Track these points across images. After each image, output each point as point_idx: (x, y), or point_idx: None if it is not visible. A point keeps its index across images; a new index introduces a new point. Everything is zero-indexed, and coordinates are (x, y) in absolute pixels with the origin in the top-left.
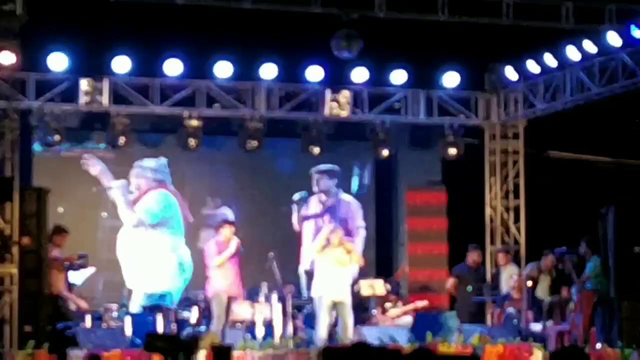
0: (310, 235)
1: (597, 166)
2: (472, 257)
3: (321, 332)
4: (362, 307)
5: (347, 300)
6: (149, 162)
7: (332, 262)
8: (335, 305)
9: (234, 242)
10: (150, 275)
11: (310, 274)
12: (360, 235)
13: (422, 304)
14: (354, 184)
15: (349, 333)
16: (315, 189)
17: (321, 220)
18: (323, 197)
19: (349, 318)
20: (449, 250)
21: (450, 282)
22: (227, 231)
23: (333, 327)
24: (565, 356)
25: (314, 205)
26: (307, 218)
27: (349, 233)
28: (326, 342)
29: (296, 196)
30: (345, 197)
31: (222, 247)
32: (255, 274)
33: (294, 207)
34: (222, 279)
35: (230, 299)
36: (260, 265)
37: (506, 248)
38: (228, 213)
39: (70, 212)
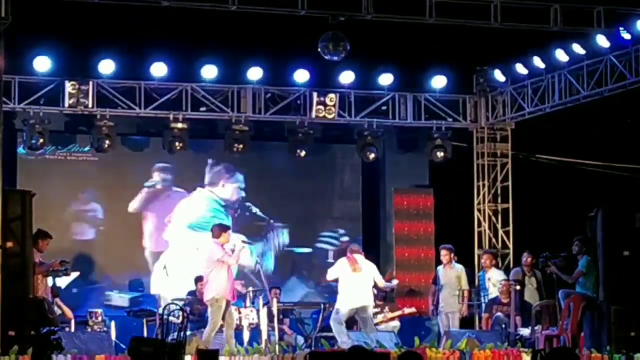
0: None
1: (586, 169)
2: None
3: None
4: None
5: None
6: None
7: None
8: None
9: (239, 242)
10: None
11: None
12: None
13: (409, 310)
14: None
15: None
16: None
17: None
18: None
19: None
20: (436, 254)
21: (433, 289)
22: (227, 235)
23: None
24: (557, 356)
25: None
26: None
27: None
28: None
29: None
30: (177, 189)
31: (226, 248)
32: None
33: (142, 191)
34: (222, 283)
35: (227, 303)
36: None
37: (492, 250)
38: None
39: (55, 214)
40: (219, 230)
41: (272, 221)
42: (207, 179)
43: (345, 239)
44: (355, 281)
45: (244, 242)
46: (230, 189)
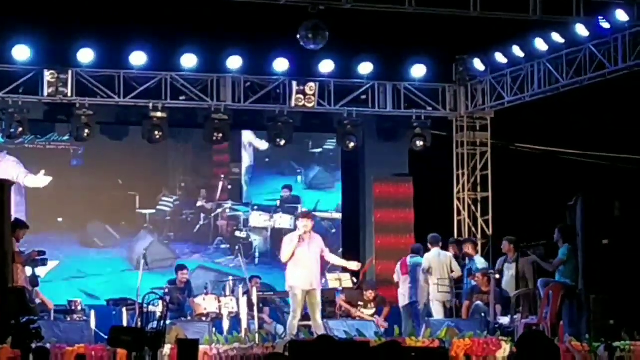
0: None
1: (565, 158)
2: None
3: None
4: (329, 301)
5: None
6: None
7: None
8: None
9: (308, 235)
10: None
11: None
12: None
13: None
14: None
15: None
16: None
17: None
18: None
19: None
20: (415, 242)
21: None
22: (300, 223)
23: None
24: (531, 340)
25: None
26: None
27: None
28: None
29: None
30: None
31: (299, 239)
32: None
33: None
34: (296, 273)
35: (307, 293)
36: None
37: (473, 239)
38: None
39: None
40: (300, 215)
41: None
42: None
43: None
44: None
45: (300, 236)
46: None
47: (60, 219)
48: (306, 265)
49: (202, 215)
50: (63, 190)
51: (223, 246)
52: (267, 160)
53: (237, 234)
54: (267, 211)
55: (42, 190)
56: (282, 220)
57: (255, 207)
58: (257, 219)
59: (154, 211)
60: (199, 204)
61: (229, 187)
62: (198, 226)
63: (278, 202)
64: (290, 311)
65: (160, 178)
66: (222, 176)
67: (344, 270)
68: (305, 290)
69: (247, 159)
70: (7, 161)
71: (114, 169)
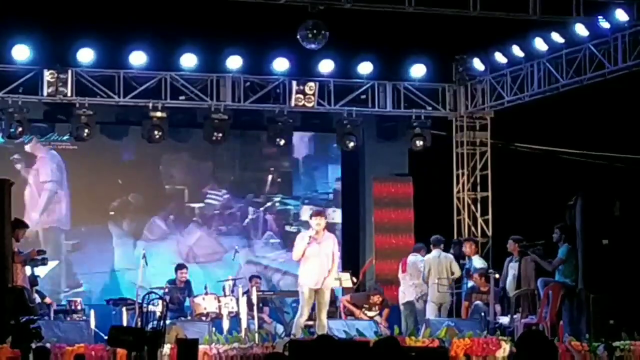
0: None
1: (565, 158)
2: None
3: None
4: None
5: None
6: None
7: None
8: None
9: (321, 234)
10: None
11: None
12: None
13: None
14: None
15: None
16: None
17: None
18: None
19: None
20: (415, 242)
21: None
22: (313, 222)
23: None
24: (531, 340)
25: None
26: None
27: None
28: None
29: None
30: None
31: (310, 238)
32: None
33: None
34: (305, 271)
35: (316, 291)
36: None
37: (474, 238)
38: None
39: None
40: (313, 214)
41: None
42: None
43: None
44: None
45: (311, 236)
46: None
47: (111, 213)
48: (316, 263)
49: (251, 209)
50: (114, 184)
51: (272, 241)
52: (334, 145)
53: (287, 228)
54: (319, 205)
55: (93, 183)
56: (335, 215)
57: (306, 201)
58: (308, 213)
59: (202, 205)
60: (248, 197)
61: (279, 180)
62: (247, 220)
63: (331, 196)
64: (298, 309)
65: (209, 172)
66: (272, 169)
67: (344, 269)
68: (313, 289)
69: (303, 149)
70: (46, 154)
71: (163, 163)
